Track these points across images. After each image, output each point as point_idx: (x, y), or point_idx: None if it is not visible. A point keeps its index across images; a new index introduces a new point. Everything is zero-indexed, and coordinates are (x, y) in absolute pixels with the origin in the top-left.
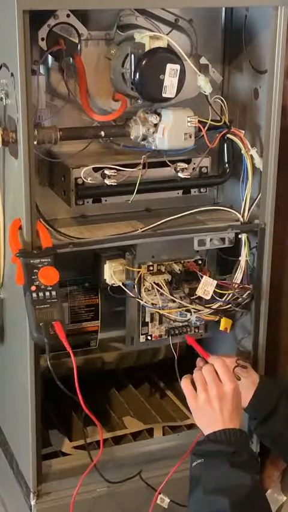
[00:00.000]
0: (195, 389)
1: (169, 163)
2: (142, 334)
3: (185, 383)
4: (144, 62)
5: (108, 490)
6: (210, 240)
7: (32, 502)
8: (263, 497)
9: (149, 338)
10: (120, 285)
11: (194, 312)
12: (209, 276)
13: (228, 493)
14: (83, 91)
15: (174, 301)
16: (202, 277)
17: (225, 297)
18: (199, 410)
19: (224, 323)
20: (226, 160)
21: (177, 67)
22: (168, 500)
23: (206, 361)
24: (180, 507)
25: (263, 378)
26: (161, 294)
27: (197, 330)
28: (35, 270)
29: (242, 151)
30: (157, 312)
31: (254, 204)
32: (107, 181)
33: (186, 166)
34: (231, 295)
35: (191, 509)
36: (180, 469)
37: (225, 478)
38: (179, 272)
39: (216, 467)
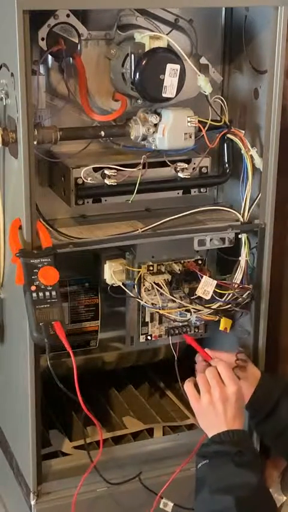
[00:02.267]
0: (199, 392)
1: (169, 163)
2: (142, 334)
3: (188, 386)
4: (144, 62)
5: (108, 490)
6: (210, 240)
7: (32, 502)
8: (268, 495)
9: (149, 337)
10: (120, 285)
11: (194, 312)
12: (209, 276)
13: (234, 492)
14: (83, 91)
15: (174, 301)
16: (202, 277)
17: (225, 297)
18: (202, 412)
19: (224, 323)
20: (226, 160)
21: (177, 66)
22: (172, 504)
23: (205, 359)
24: (184, 510)
25: (263, 375)
26: (161, 294)
27: (197, 330)
28: (35, 270)
29: (242, 151)
30: (157, 312)
31: (254, 204)
32: (107, 181)
33: (186, 166)
34: (231, 295)
35: (198, 510)
36: (185, 468)
37: (230, 477)
38: (179, 272)
39: (221, 467)
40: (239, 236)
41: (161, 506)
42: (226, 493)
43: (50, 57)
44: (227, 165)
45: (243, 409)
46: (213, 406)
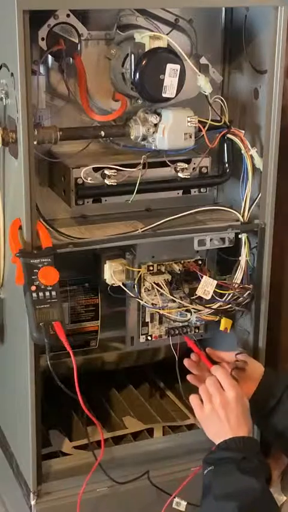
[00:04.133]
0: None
1: (169, 163)
2: (142, 334)
3: (192, 398)
4: (144, 62)
5: (109, 490)
6: (210, 240)
7: (32, 502)
8: (272, 502)
9: (149, 338)
10: (120, 285)
11: (194, 312)
12: (209, 276)
13: (236, 498)
14: (83, 91)
15: (174, 301)
16: (202, 277)
17: (225, 297)
18: (207, 421)
19: (224, 323)
20: (226, 160)
21: (177, 67)
22: (185, 503)
23: (197, 361)
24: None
25: (267, 371)
26: (161, 294)
27: (197, 330)
28: (35, 270)
29: (242, 151)
30: (157, 312)
31: (254, 204)
32: (107, 181)
33: (186, 166)
34: (231, 295)
35: None
36: (186, 468)
37: (234, 484)
38: (179, 272)
39: (226, 473)
40: (239, 236)
41: (174, 505)
42: (230, 499)
43: (50, 57)
44: (227, 165)
45: (247, 413)
46: (216, 413)
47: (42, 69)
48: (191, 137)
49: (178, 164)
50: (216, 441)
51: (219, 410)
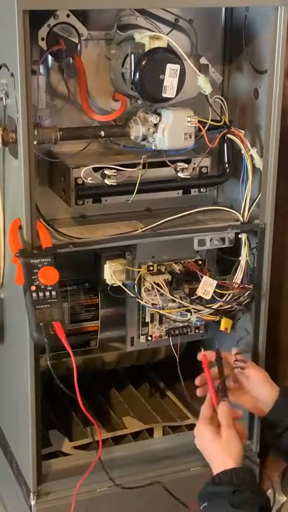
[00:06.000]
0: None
1: (169, 163)
2: (142, 334)
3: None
4: (144, 62)
5: (108, 490)
6: (210, 240)
7: (32, 502)
8: None
9: (149, 338)
10: (120, 285)
11: (194, 312)
12: (209, 276)
13: None
14: (83, 91)
15: (174, 302)
16: (202, 277)
17: (225, 297)
18: (204, 451)
19: (224, 323)
20: (226, 160)
21: (177, 67)
22: None
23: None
24: None
25: (283, 389)
26: (161, 294)
27: (197, 331)
28: (35, 270)
29: (242, 151)
30: (157, 312)
31: (254, 204)
32: (107, 181)
33: (186, 166)
34: (231, 295)
35: None
36: (186, 468)
37: None
38: (179, 272)
39: (218, 508)
40: (239, 236)
41: None
42: None
43: (50, 57)
44: (227, 165)
45: (240, 446)
46: (212, 444)
47: (42, 69)
48: (191, 137)
49: (178, 164)
50: (213, 471)
51: (209, 443)
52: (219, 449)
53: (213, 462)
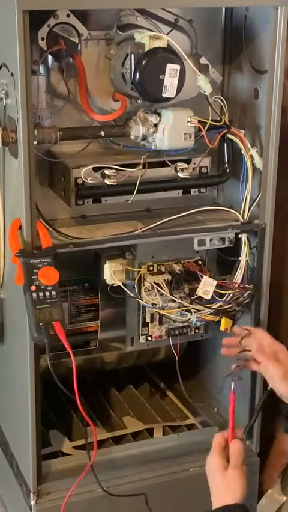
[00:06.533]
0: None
1: (169, 163)
2: (142, 334)
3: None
4: (144, 62)
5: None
6: (210, 240)
7: (32, 502)
8: None
9: (149, 338)
10: (120, 285)
11: (194, 312)
12: (209, 276)
13: None
14: (83, 91)
15: (174, 302)
16: (202, 277)
17: (225, 297)
18: (208, 478)
19: (225, 323)
20: (226, 160)
21: (177, 67)
22: None
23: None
24: None
25: None
26: (161, 294)
27: (197, 331)
28: (35, 270)
29: (242, 151)
30: (157, 312)
31: (254, 204)
32: (107, 181)
33: (186, 166)
34: (231, 295)
35: None
36: (185, 468)
37: None
38: (179, 272)
39: None
40: (239, 236)
41: None
42: None
43: (50, 57)
44: (227, 165)
45: (242, 487)
46: (217, 477)
47: (42, 69)
48: (191, 137)
49: (178, 164)
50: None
51: (212, 476)
52: (222, 484)
53: (213, 493)
